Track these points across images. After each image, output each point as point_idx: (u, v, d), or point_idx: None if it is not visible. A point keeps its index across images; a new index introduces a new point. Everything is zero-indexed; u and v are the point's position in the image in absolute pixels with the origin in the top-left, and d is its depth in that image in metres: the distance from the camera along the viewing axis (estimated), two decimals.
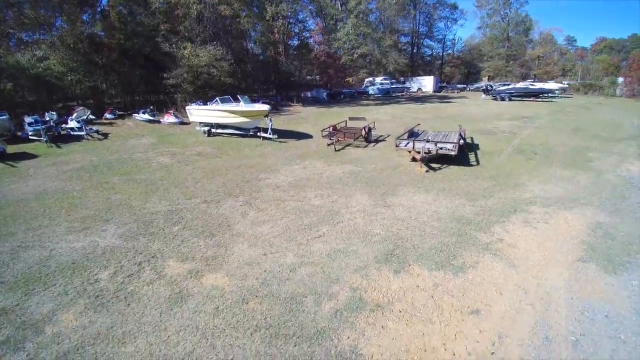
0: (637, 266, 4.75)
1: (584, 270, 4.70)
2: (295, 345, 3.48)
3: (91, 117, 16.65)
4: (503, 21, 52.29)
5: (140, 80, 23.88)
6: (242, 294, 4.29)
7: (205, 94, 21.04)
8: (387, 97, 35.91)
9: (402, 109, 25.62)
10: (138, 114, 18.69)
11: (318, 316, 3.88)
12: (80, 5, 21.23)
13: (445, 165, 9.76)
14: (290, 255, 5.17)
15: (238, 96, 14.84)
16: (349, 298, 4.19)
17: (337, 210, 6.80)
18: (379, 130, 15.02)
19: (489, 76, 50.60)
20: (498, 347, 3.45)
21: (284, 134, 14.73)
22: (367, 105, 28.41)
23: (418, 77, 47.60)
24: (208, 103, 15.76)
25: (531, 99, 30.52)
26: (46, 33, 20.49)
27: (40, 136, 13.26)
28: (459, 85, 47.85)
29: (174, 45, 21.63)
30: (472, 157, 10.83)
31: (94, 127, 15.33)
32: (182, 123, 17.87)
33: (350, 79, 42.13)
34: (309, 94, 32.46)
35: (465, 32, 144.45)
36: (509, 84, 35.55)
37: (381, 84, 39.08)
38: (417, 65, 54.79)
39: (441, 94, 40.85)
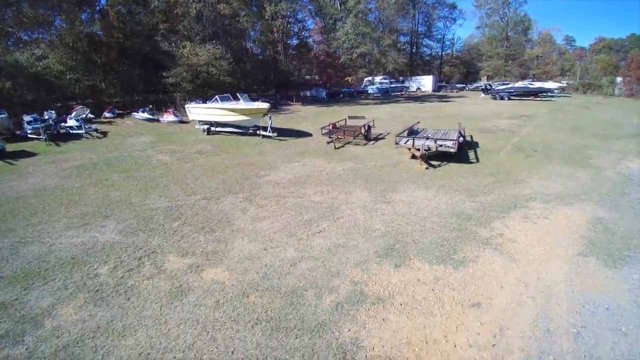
0: (637, 260, 4.76)
1: (584, 264, 4.70)
2: (296, 338, 3.47)
3: (90, 115, 16.66)
4: (502, 21, 52.43)
5: (140, 79, 23.86)
6: (242, 288, 4.27)
7: (204, 93, 21.00)
8: (386, 96, 35.92)
9: (401, 108, 25.63)
10: (137, 112, 18.64)
11: (319, 309, 3.88)
12: (79, 5, 21.22)
13: (445, 163, 9.76)
14: (290, 250, 5.16)
15: (238, 94, 14.85)
16: (350, 291, 4.18)
17: (337, 207, 6.79)
18: (378, 128, 15.01)
19: (487, 76, 50.65)
20: (499, 339, 3.44)
21: (283, 132, 14.71)
22: (367, 104, 28.41)
23: (417, 77, 47.59)
24: (207, 101, 15.75)
25: (530, 98, 30.56)
26: (45, 32, 20.52)
27: (39, 134, 13.23)
28: (458, 85, 47.86)
29: (173, 44, 21.62)
30: (471, 154, 10.83)
31: (93, 126, 15.27)
32: (182, 122, 17.84)
33: (349, 79, 42.08)
34: (308, 93, 32.49)
35: (464, 31, 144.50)
36: (508, 84, 35.56)
37: (380, 83, 39.07)
38: (416, 65, 54.84)
39: (440, 93, 40.89)
